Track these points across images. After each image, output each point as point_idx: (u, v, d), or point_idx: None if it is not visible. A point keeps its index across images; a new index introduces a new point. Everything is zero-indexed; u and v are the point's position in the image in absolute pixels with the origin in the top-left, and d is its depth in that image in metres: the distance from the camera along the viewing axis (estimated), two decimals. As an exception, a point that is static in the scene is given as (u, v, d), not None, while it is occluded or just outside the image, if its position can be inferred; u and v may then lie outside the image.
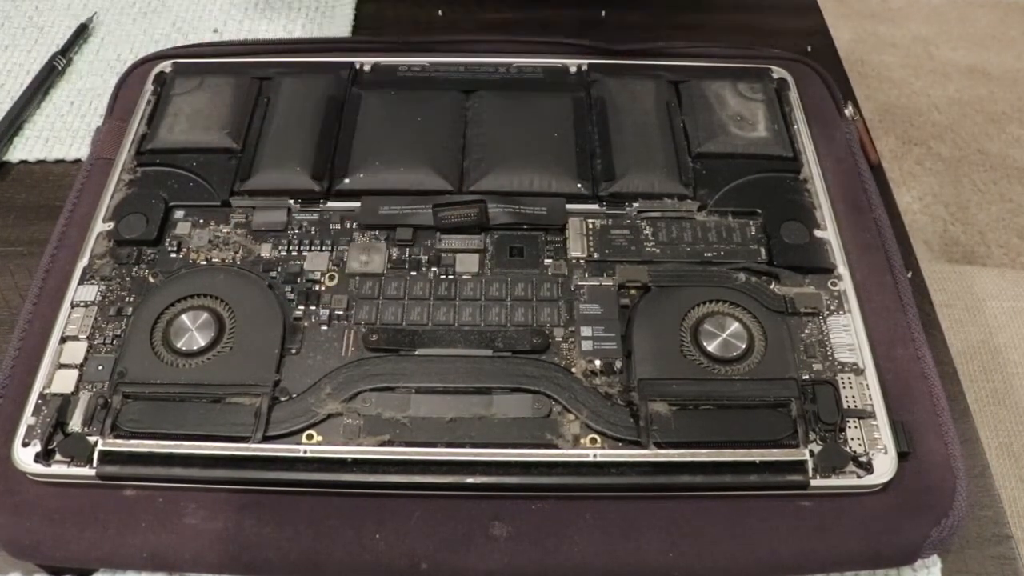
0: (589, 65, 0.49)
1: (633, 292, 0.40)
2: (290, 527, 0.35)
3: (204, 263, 0.41)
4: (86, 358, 0.38)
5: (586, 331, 0.39)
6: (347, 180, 0.43)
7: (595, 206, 0.43)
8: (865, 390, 0.37)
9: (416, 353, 0.38)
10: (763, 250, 0.42)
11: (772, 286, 0.40)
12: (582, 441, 0.36)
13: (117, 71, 0.52)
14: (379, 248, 0.41)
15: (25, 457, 0.35)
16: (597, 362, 0.38)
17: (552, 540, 0.35)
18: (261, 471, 0.35)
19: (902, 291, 0.41)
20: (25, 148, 0.51)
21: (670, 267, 0.41)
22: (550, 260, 0.41)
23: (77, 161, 0.50)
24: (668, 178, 0.43)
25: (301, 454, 0.35)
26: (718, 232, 0.42)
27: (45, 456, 0.35)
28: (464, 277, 0.41)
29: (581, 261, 0.41)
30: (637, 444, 0.36)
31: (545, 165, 0.44)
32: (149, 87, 0.48)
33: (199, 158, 0.44)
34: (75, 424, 0.36)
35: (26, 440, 0.36)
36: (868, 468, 0.35)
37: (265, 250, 0.41)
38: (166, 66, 0.49)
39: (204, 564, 0.35)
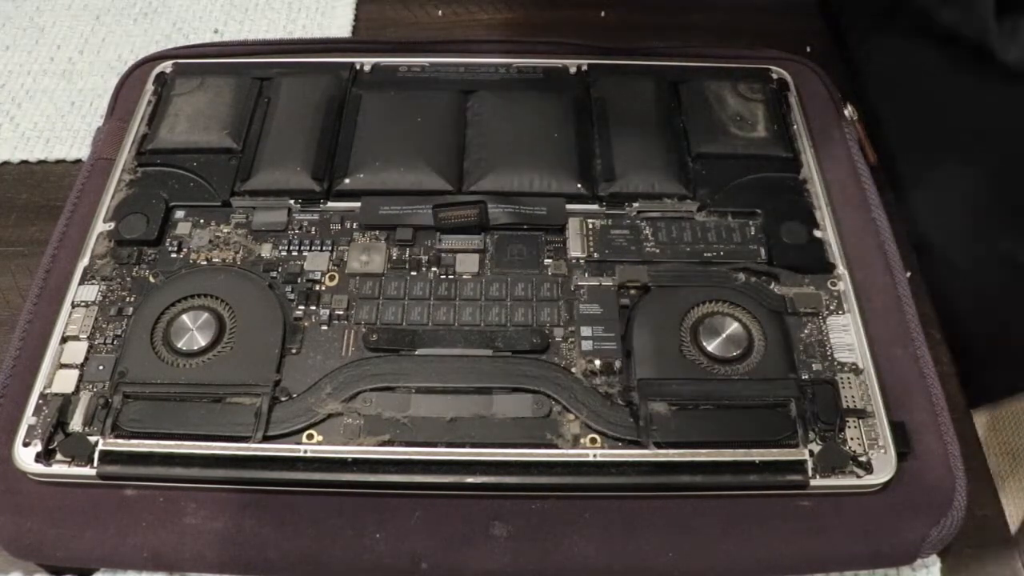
0: (589, 65, 0.49)
1: (633, 292, 0.40)
2: (290, 527, 0.35)
3: (204, 263, 0.41)
4: (87, 358, 0.38)
5: (586, 331, 0.39)
6: (347, 180, 0.43)
7: (595, 206, 0.43)
8: (864, 390, 0.37)
9: (416, 353, 0.38)
10: (763, 250, 0.42)
11: (772, 286, 0.40)
12: (582, 441, 0.36)
13: (118, 71, 0.52)
14: (379, 248, 0.42)
15: (26, 457, 0.35)
16: (597, 362, 0.38)
17: (552, 540, 0.35)
18: (261, 471, 0.35)
19: (901, 291, 0.41)
20: (26, 148, 0.51)
21: (670, 267, 0.41)
22: (550, 260, 0.41)
23: (78, 161, 0.51)
24: (668, 178, 0.43)
25: (301, 454, 0.35)
26: (718, 232, 0.42)
27: (46, 456, 0.35)
28: (464, 277, 0.41)
29: (581, 261, 0.41)
30: (637, 444, 0.36)
31: (545, 165, 0.44)
32: (150, 87, 0.48)
33: (199, 158, 0.44)
34: (76, 424, 0.36)
35: (27, 440, 0.36)
36: (867, 468, 0.35)
37: (265, 250, 0.41)
38: (167, 66, 0.49)
39: (204, 564, 0.35)
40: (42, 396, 0.37)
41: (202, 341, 0.38)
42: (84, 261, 0.41)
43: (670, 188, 0.43)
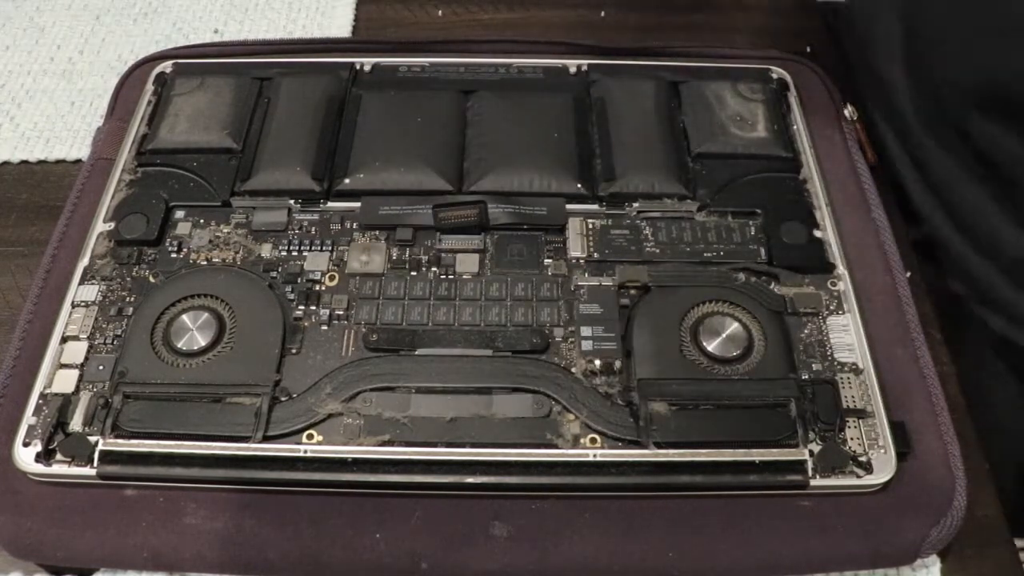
0: (589, 65, 0.49)
1: (633, 292, 0.40)
2: (290, 527, 0.35)
3: (204, 263, 0.41)
4: (87, 358, 0.38)
5: (586, 331, 0.39)
6: (347, 180, 0.43)
7: (595, 206, 0.43)
8: (864, 390, 0.37)
9: (416, 353, 0.38)
10: (763, 250, 0.42)
11: (772, 286, 0.40)
12: (582, 441, 0.36)
13: (118, 71, 0.52)
14: (379, 248, 0.42)
15: (26, 457, 0.35)
16: (597, 362, 0.38)
17: (552, 540, 0.35)
18: (261, 471, 0.35)
19: (901, 291, 0.41)
20: (26, 148, 0.51)
21: (670, 267, 0.41)
22: (550, 260, 0.41)
23: (78, 161, 0.51)
24: (668, 178, 0.43)
25: (301, 454, 0.35)
26: (718, 232, 0.42)
27: (46, 456, 0.35)
28: (464, 277, 0.41)
29: (581, 261, 0.41)
30: (637, 444, 0.36)
31: (545, 165, 0.44)
32: (150, 87, 0.48)
33: (199, 158, 0.44)
34: (76, 424, 0.36)
35: (27, 440, 0.36)
36: (867, 468, 0.35)
37: (265, 250, 0.41)
38: (167, 66, 0.49)
39: (204, 564, 0.35)
40: (42, 396, 0.37)
41: (202, 341, 0.38)
42: (84, 261, 0.41)
43: (670, 188, 0.43)
